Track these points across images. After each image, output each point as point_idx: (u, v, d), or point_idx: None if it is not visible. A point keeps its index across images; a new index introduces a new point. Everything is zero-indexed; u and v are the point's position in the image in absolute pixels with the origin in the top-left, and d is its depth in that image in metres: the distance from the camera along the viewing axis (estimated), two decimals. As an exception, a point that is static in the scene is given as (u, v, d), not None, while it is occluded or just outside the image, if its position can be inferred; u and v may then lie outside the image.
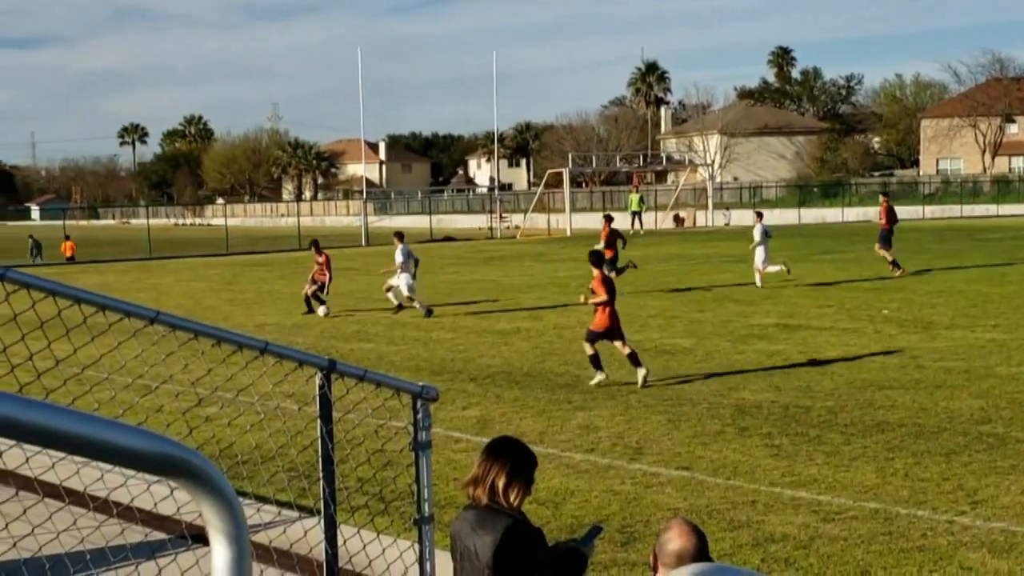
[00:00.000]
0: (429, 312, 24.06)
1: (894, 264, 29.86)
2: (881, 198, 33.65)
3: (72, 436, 1.53)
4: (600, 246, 28.34)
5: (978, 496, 9.59)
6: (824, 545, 8.52)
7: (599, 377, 15.42)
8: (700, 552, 3.86)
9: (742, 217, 70.14)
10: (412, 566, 5.08)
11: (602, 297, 15.50)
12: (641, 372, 15.21)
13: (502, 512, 4.59)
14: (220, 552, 1.73)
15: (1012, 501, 9.40)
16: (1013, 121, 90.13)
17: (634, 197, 61.06)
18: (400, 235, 25.92)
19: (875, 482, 10.15)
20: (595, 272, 15.77)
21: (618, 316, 15.66)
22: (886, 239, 30.59)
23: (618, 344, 15.53)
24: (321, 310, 25.24)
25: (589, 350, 15.55)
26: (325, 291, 25.68)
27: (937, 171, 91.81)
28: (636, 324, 21.52)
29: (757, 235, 28.25)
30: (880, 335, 19.02)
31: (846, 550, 8.39)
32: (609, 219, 30.67)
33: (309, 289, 25.78)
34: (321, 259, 25.73)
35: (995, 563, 7.96)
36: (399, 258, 24.79)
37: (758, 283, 27.76)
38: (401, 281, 24.81)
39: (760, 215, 30.39)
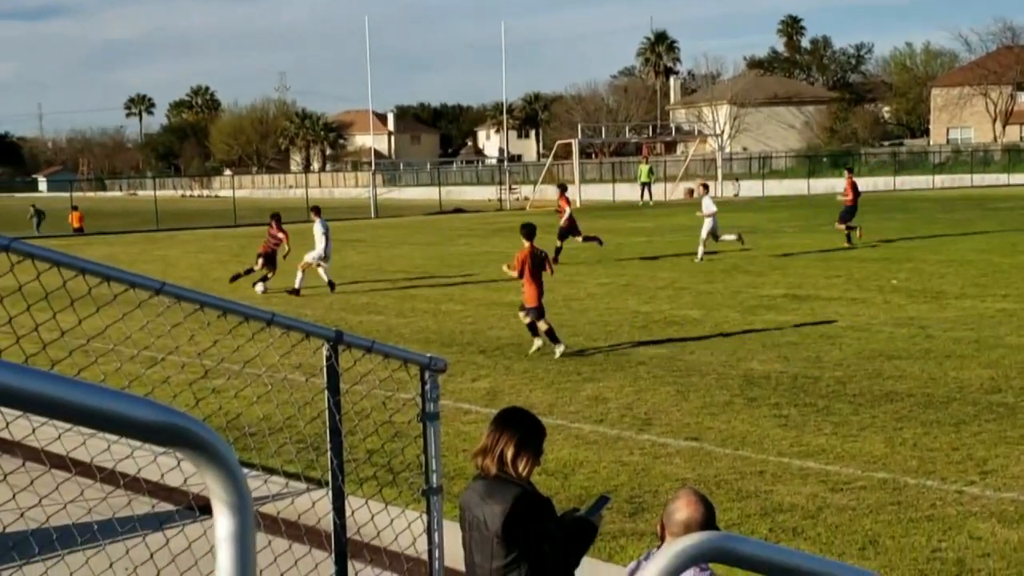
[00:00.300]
0: (332, 286, 24.23)
1: (849, 238, 29.88)
2: (846, 173, 33.62)
3: (73, 406, 1.52)
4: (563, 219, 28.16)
5: (987, 466, 9.58)
6: (832, 515, 8.52)
7: (537, 344, 15.79)
8: (707, 522, 3.86)
9: (752, 188, 70.00)
10: (420, 536, 5.08)
11: (513, 273, 16.02)
12: (559, 348, 15.40)
13: (511, 482, 4.59)
14: (223, 523, 1.73)
15: (1022, 471, 9.39)
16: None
17: (643, 168, 60.89)
18: (316, 209, 25.43)
19: (884, 452, 10.15)
20: (525, 244, 15.91)
21: (543, 291, 15.83)
22: (849, 215, 30.42)
23: (540, 322, 15.76)
24: (259, 287, 24.90)
25: (543, 325, 15.66)
26: (274, 268, 25.16)
27: (947, 140, 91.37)
28: (645, 295, 21.52)
29: (706, 207, 27.44)
30: (889, 305, 18.98)
31: (854, 520, 8.39)
32: (563, 188, 30.44)
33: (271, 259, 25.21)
34: (281, 235, 25.06)
35: (1005, 533, 7.96)
36: (319, 232, 24.38)
37: (699, 256, 27.12)
38: (311, 255, 24.70)
39: (706, 187, 29.37)
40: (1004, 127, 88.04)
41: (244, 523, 1.74)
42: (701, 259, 27.00)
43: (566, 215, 29.33)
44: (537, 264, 15.70)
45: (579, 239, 29.25)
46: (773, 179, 73.82)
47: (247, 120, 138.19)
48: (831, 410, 11.79)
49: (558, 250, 27.86)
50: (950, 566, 7.41)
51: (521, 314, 15.97)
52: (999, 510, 8.45)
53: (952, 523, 8.22)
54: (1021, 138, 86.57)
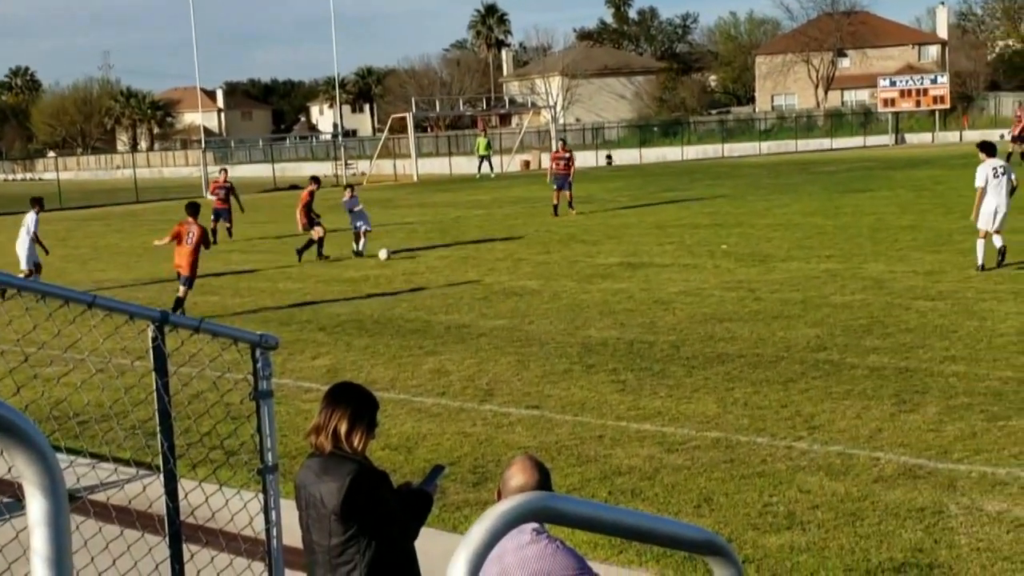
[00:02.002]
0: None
1: (556, 208, 31.67)
2: (560, 147, 35.32)
3: None
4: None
5: (815, 421, 9.94)
6: (668, 475, 8.73)
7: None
8: (541, 486, 3.90)
9: (586, 158, 70.87)
10: (257, 516, 5.02)
11: (164, 241, 18.74)
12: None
13: (347, 458, 4.56)
14: (35, 506, 1.69)
15: (847, 425, 9.77)
16: (845, 55, 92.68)
17: (481, 141, 61.01)
18: (35, 201, 22.92)
19: (716, 412, 10.44)
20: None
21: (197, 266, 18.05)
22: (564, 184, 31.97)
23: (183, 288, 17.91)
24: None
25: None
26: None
27: (772, 107, 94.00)
28: (484, 267, 21.61)
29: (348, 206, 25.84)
30: (719, 269, 19.49)
31: (689, 479, 8.61)
32: (317, 180, 28.32)
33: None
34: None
35: (832, 485, 8.28)
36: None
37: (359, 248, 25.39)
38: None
39: (351, 188, 27.61)
40: (826, 93, 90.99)
41: (57, 505, 1.69)
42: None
43: None
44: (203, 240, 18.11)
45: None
46: (607, 149, 74.86)
47: (70, 100, 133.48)
48: (666, 373, 12.06)
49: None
50: (781, 519, 7.68)
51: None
52: (826, 463, 8.78)
53: (782, 478, 8.51)
54: (842, 103, 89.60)
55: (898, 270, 18.17)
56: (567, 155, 33.42)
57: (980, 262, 17.44)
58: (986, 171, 17.70)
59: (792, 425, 9.88)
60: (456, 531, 7.83)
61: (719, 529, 7.50)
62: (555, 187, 32.38)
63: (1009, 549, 6.96)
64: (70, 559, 1.68)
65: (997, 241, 17.58)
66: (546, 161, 70.96)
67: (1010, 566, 6.73)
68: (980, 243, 17.56)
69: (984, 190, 17.60)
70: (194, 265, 17.98)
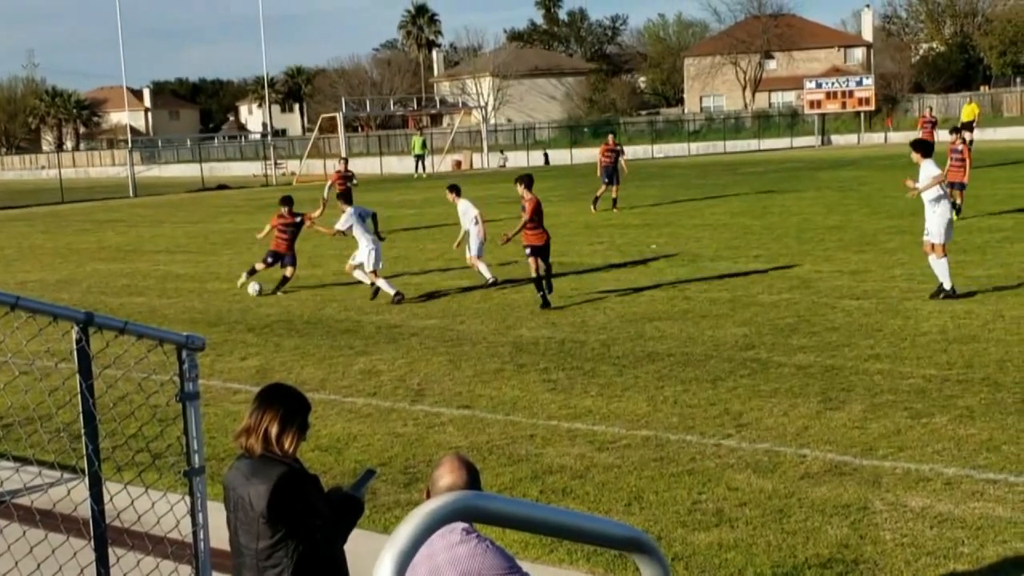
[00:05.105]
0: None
1: (595, 202, 31.32)
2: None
3: None
4: None
5: (743, 419, 10.04)
6: (599, 474, 8.77)
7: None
8: (470, 486, 3.91)
9: (517, 159, 71.01)
10: (184, 519, 4.96)
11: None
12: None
13: (276, 461, 4.53)
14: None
15: (775, 423, 9.88)
16: (772, 57, 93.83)
17: (417, 140, 60.82)
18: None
19: (646, 410, 10.51)
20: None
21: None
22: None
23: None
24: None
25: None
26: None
27: (701, 108, 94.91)
28: (415, 267, 21.57)
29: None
30: (649, 269, 19.63)
31: (620, 477, 8.66)
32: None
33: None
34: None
35: (760, 482, 8.37)
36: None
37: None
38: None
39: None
40: (754, 95, 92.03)
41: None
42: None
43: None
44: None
45: None
46: (539, 149, 75.04)
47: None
48: (597, 372, 12.12)
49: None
50: (709, 516, 7.75)
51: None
52: (754, 461, 8.88)
53: (711, 475, 8.58)
54: (770, 104, 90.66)
55: (824, 270, 18.42)
56: (617, 147, 32.21)
57: (949, 285, 14.99)
58: (936, 166, 15.68)
59: (721, 423, 9.97)
60: (386, 532, 7.80)
61: (649, 527, 7.56)
62: (604, 181, 31.58)
63: (932, 544, 7.08)
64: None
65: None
66: (478, 161, 71.16)
67: (933, 561, 6.85)
68: (943, 263, 15.04)
69: (943, 178, 15.66)
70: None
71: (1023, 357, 11.74)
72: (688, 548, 7.22)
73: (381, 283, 17.75)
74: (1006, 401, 10.14)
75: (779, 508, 7.81)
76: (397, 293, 17.54)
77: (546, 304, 16.14)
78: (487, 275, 18.60)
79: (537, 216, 16.47)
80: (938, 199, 15.26)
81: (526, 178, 17.02)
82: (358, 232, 18.05)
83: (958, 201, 23.99)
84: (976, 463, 8.52)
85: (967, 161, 24.58)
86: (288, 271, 19.54)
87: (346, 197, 20.97)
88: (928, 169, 15.36)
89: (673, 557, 7.09)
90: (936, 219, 15.14)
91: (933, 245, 15.13)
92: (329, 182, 30.35)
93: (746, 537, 7.34)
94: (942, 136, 37.53)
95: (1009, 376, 11.02)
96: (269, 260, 19.65)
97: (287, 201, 20.20)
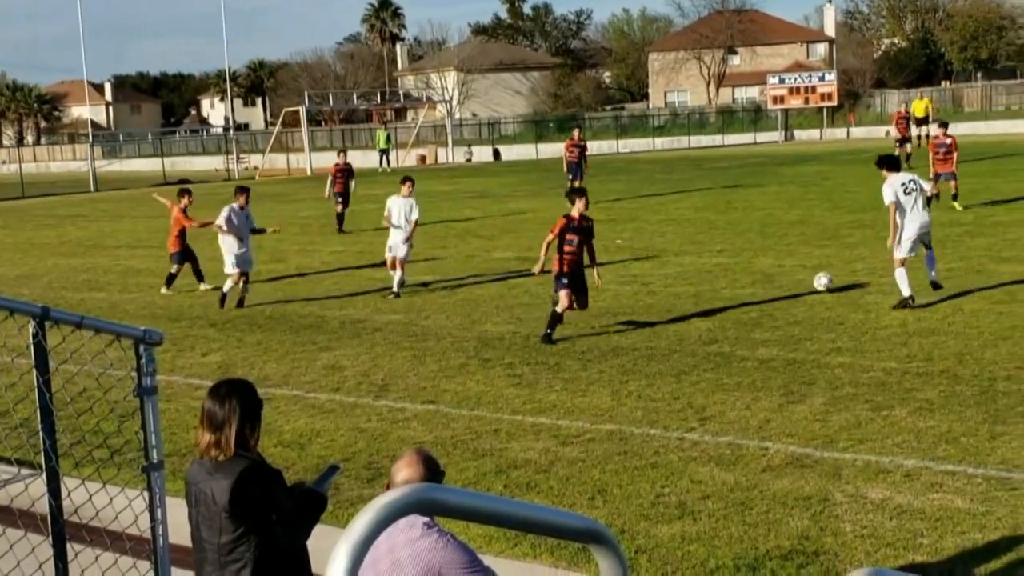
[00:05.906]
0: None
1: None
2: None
3: None
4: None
5: (706, 413, 10.09)
6: (563, 468, 8.78)
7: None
8: (427, 480, 3.90)
9: (482, 153, 70.93)
10: (143, 514, 4.93)
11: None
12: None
13: (239, 455, 4.51)
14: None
15: (737, 416, 9.93)
16: (735, 53, 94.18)
17: (381, 135, 60.54)
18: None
19: (610, 404, 10.53)
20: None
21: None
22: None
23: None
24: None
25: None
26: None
27: (665, 104, 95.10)
28: (378, 260, 21.47)
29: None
30: (614, 264, 19.65)
31: (584, 471, 8.68)
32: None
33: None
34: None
35: (723, 475, 8.41)
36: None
37: None
38: None
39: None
40: (717, 90, 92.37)
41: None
42: None
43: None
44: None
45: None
46: (503, 144, 74.99)
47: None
48: (561, 367, 12.13)
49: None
50: (672, 509, 7.77)
51: None
52: (717, 454, 8.92)
53: (674, 469, 8.62)
54: (733, 100, 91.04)
55: (787, 264, 18.52)
56: (582, 143, 32.27)
57: (908, 293, 14.42)
58: (894, 189, 14.64)
59: (684, 417, 10.01)
60: (350, 527, 7.77)
61: (612, 520, 7.57)
62: (569, 177, 31.20)
63: (892, 535, 7.14)
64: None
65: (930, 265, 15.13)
66: (443, 156, 71.04)
67: (893, 552, 6.91)
68: (901, 272, 14.50)
69: (898, 207, 14.58)
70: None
71: (982, 350, 11.86)
72: (651, 541, 7.25)
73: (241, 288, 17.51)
74: (965, 394, 10.24)
75: (741, 500, 7.85)
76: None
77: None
78: (399, 285, 17.52)
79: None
80: (901, 214, 14.68)
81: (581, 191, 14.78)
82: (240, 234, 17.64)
83: (952, 190, 25.18)
84: (935, 455, 8.60)
85: (954, 153, 25.43)
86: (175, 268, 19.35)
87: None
88: (886, 192, 14.72)
89: (636, 550, 7.11)
90: (902, 232, 14.64)
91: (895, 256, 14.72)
92: (330, 177, 29.71)
93: (708, 529, 7.38)
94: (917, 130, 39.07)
95: (968, 369, 11.13)
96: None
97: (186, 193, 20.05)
